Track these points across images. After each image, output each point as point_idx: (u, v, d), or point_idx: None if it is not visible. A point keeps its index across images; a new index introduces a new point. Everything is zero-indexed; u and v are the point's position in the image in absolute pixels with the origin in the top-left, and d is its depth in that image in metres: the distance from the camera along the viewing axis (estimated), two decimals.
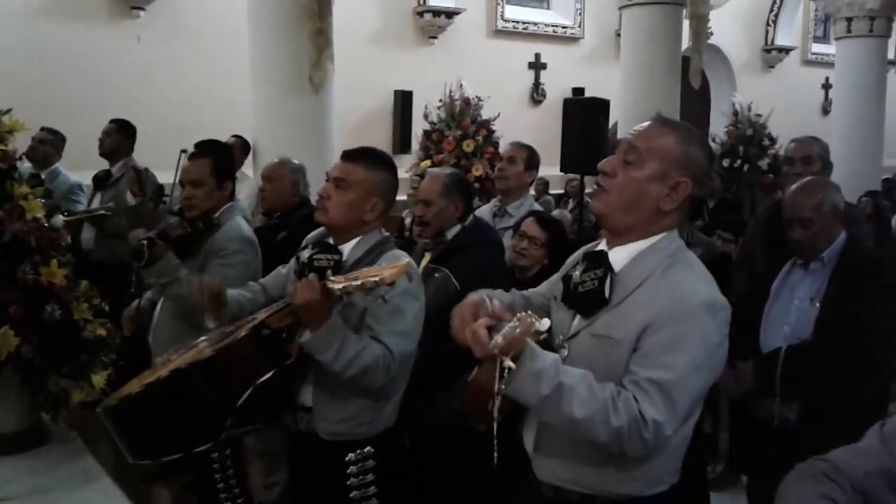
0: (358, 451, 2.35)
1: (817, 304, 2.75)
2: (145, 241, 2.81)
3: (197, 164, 3.08)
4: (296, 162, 4.08)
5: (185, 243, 3.02)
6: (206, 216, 3.05)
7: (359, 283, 1.94)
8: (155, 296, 3.28)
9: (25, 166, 3.83)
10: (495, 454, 1.62)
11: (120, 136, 5.32)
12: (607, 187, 1.78)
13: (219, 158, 3.14)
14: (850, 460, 1.46)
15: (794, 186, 2.95)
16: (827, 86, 13.85)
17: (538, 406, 1.62)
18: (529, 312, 1.65)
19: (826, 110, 13.84)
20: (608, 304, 1.74)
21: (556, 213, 6.42)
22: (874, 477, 1.42)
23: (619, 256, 1.79)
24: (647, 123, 1.82)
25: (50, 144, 5.58)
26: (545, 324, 1.62)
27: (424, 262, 3.18)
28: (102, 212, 5.08)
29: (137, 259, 2.83)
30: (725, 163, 9.04)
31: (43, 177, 5.27)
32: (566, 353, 1.81)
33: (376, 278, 1.92)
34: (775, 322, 2.85)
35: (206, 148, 3.15)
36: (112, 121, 5.43)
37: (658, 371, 1.63)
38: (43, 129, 5.51)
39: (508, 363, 1.56)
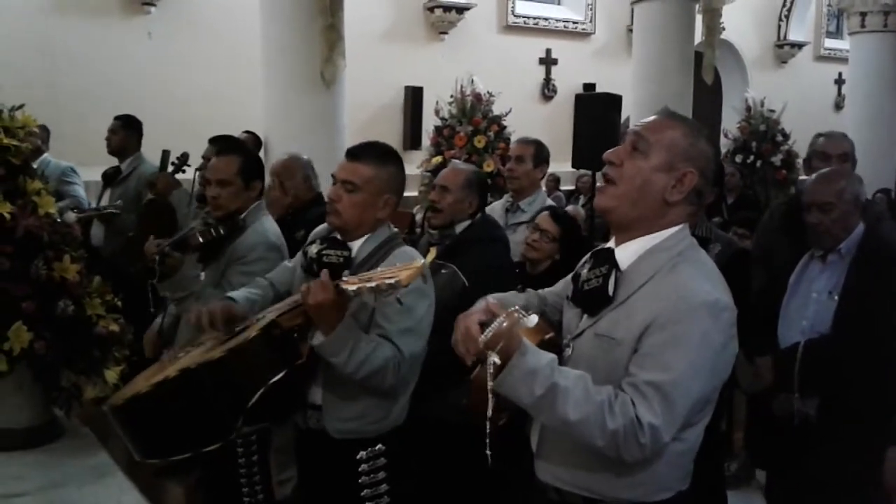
0: (369, 450, 2.31)
1: (836, 298, 2.72)
2: (157, 257, 2.63)
3: (224, 161, 2.88)
4: (304, 157, 4.03)
5: (208, 247, 2.86)
6: (232, 217, 2.86)
7: (373, 284, 1.87)
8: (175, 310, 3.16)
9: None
10: (488, 452, 1.60)
11: (126, 133, 5.26)
12: (614, 177, 1.74)
13: (248, 157, 2.95)
14: None
15: (816, 174, 2.91)
16: (840, 81, 13.74)
17: (532, 406, 1.59)
18: (517, 307, 1.62)
19: (839, 106, 13.73)
20: (612, 302, 1.70)
21: (570, 208, 6.38)
22: None
23: (626, 254, 1.75)
24: (654, 116, 1.80)
25: (37, 137, 5.57)
26: (533, 319, 1.57)
27: (430, 257, 3.15)
28: (111, 210, 5.07)
29: (151, 276, 2.64)
30: (738, 159, 8.98)
31: (35, 167, 5.26)
32: (570, 352, 1.78)
33: (392, 280, 1.83)
34: (794, 316, 2.82)
35: (234, 145, 2.99)
36: (117, 118, 5.36)
37: (656, 373, 1.59)
38: None
39: (494, 358, 1.53)
